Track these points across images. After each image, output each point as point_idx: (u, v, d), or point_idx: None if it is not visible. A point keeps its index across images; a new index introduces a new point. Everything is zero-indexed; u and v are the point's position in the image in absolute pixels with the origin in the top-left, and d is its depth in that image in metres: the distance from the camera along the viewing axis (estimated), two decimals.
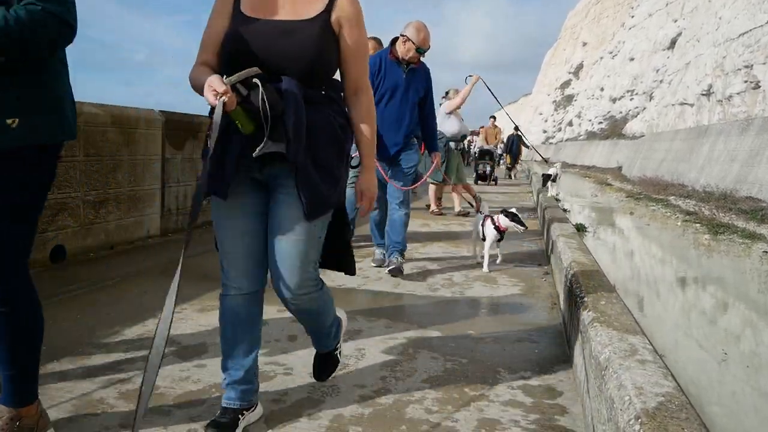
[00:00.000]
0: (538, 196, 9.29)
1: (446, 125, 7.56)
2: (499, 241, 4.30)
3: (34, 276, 3.40)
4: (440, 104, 14.82)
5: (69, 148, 4.19)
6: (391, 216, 4.18)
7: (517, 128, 18.52)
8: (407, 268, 4.34)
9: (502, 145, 26.42)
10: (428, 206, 8.12)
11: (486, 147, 15.58)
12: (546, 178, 10.03)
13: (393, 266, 4.04)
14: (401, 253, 4.18)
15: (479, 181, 14.84)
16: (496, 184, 14.96)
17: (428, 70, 4.30)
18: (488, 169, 15.08)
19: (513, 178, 19.09)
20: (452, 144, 7.62)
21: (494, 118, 16.40)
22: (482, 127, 17.09)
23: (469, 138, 19.66)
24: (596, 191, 19.76)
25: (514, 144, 19.15)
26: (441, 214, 7.73)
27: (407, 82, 4.08)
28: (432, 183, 7.71)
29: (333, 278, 3.88)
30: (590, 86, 48.89)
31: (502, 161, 26.97)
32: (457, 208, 7.90)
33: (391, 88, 4.04)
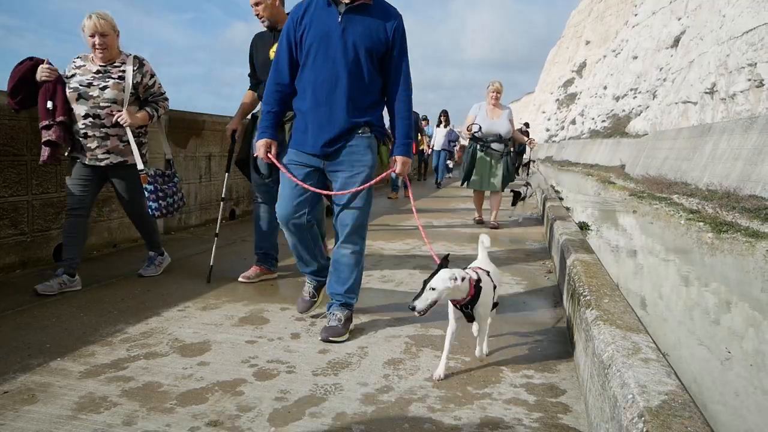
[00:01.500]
0: (541, 195, 9.27)
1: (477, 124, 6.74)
2: (468, 320, 2.35)
3: (38, 274, 3.39)
4: None
5: None
6: (334, 252, 2.78)
7: (527, 125, 18.15)
8: (409, 268, 4.32)
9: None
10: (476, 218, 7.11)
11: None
12: (516, 195, 7.39)
13: (327, 330, 2.68)
14: (345, 307, 2.77)
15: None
16: None
17: (392, 9, 2.70)
18: None
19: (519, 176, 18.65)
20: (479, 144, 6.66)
21: None
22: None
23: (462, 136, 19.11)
24: (599, 189, 19.73)
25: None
26: (481, 223, 6.95)
27: (344, 27, 2.56)
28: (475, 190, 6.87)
29: None
30: (593, 84, 48.80)
31: None
32: (493, 219, 6.79)
33: (319, 41, 2.57)
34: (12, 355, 2.37)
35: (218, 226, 3.94)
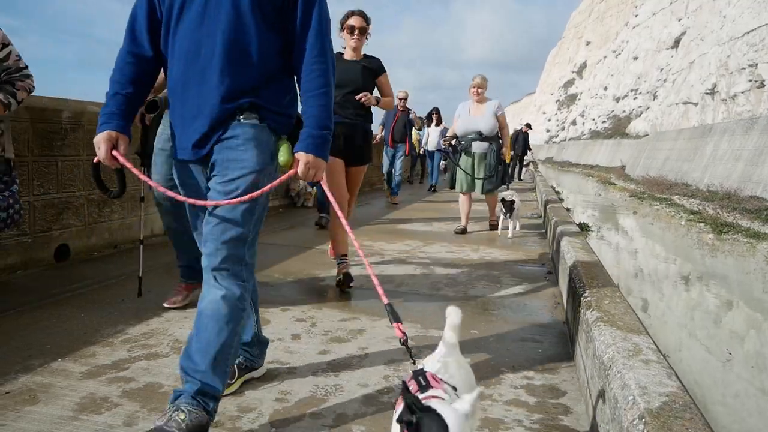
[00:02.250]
0: (541, 195, 9.28)
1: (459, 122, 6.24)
2: None
3: (39, 275, 3.39)
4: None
5: (73, 147, 4.20)
6: (201, 296, 1.79)
7: (529, 126, 17.66)
8: (410, 269, 4.32)
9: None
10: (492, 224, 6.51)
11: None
12: (509, 206, 5.86)
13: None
14: (199, 404, 1.68)
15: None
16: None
17: None
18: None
19: (519, 179, 17.03)
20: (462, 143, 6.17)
21: None
22: None
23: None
24: (600, 190, 19.72)
25: (519, 140, 16.70)
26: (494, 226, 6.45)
27: None
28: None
29: (336, 277, 3.89)
30: (594, 85, 48.81)
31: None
32: (491, 218, 6.59)
33: None
34: (13, 356, 2.37)
35: (141, 233, 3.58)
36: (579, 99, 54.50)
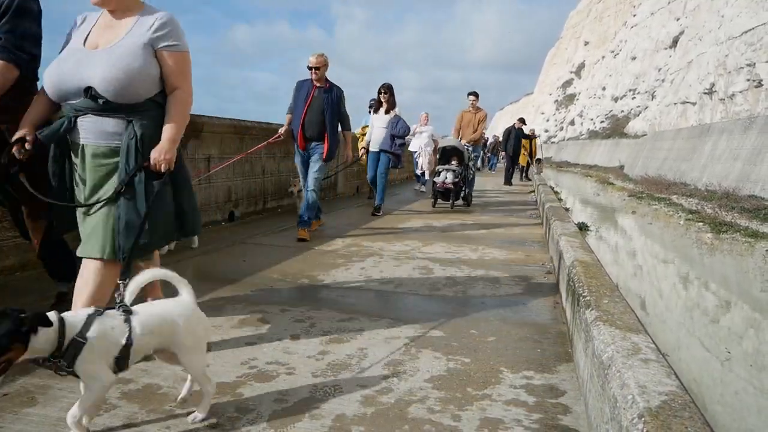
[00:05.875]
0: (539, 196, 9.28)
1: None
2: None
3: (40, 276, 3.38)
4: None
5: None
6: None
7: (522, 120, 16.92)
8: (409, 269, 4.33)
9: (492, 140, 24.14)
10: None
11: (451, 144, 8.91)
12: None
13: None
14: None
15: (439, 202, 8.62)
16: (468, 204, 8.87)
17: None
18: (448, 178, 8.33)
19: (527, 180, 16.31)
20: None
21: (476, 95, 10.04)
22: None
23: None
24: (598, 190, 19.74)
25: (512, 139, 15.64)
26: None
27: None
28: None
29: (335, 277, 3.89)
30: (592, 85, 48.86)
31: (490, 163, 24.73)
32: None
33: None
34: None
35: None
36: (577, 99, 54.56)
